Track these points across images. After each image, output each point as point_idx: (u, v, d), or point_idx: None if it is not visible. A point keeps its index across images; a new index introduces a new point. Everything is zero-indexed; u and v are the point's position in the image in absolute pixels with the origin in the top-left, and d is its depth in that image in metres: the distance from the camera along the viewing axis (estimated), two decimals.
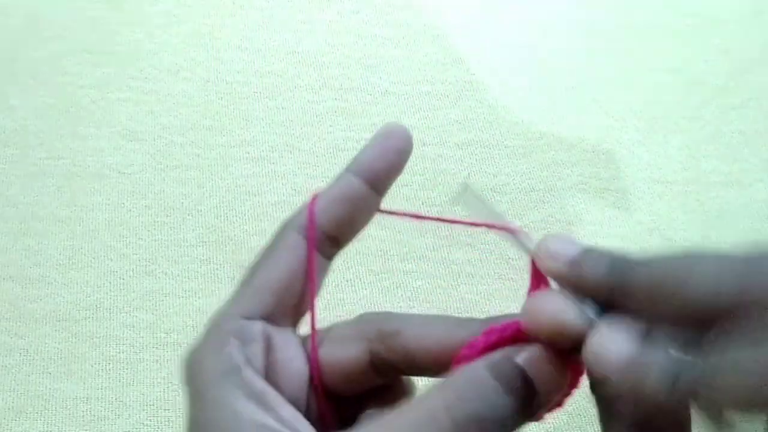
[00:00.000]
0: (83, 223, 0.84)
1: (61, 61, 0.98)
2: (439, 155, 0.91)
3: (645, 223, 0.88)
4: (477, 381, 0.26)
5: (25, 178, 0.87)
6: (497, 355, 0.27)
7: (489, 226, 0.31)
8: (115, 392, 0.73)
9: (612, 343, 0.24)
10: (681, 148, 0.95)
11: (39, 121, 0.92)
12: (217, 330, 0.29)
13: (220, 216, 0.85)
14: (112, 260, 0.81)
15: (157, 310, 0.78)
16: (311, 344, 0.30)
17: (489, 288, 0.81)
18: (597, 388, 0.28)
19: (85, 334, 0.76)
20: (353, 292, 0.79)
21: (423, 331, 0.29)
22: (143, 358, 0.75)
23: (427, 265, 0.82)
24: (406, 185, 0.88)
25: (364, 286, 0.80)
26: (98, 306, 0.78)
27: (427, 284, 0.81)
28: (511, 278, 0.81)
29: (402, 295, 0.80)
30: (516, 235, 0.30)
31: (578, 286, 0.26)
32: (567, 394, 0.28)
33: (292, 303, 0.30)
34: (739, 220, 0.89)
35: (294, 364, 0.29)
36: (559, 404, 0.28)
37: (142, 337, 0.76)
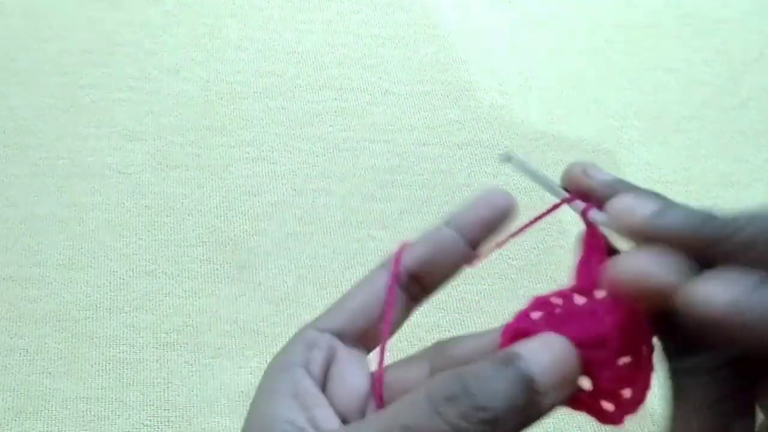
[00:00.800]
0: (83, 223, 0.84)
1: (61, 61, 0.98)
2: (439, 155, 0.91)
3: None
4: (468, 368, 0.25)
5: (25, 178, 0.87)
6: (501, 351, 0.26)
7: (555, 205, 0.32)
8: (116, 392, 0.73)
9: (721, 284, 0.23)
10: (681, 148, 0.95)
11: (39, 121, 0.92)
12: (293, 338, 0.31)
13: (220, 216, 0.85)
14: (112, 260, 0.81)
15: (157, 310, 0.78)
16: (379, 361, 0.31)
17: (489, 288, 0.81)
18: (680, 351, 0.26)
19: (85, 334, 0.76)
20: None
21: (476, 340, 0.31)
22: (143, 358, 0.75)
23: None
24: (406, 185, 0.88)
25: None
26: (98, 306, 0.78)
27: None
28: (512, 277, 0.81)
29: None
30: (577, 204, 0.30)
31: (664, 242, 0.25)
32: (644, 383, 0.26)
33: (366, 327, 0.31)
34: None
35: (352, 378, 0.31)
36: (639, 399, 0.26)
37: (143, 337, 0.76)
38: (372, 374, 0.31)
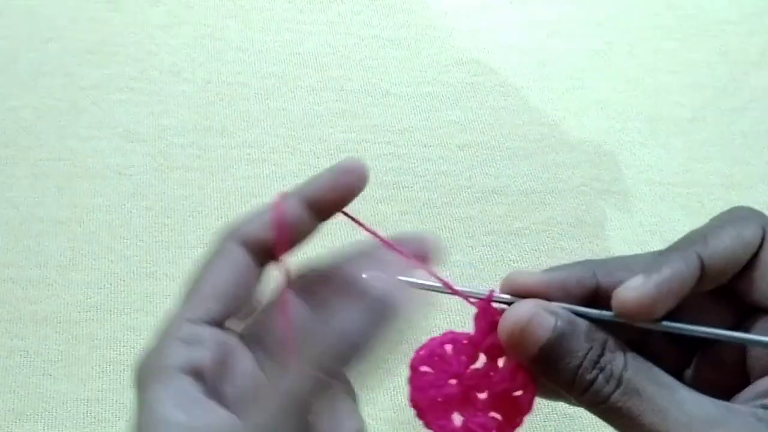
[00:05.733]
0: (84, 225, 0.84)
1: (61, 62, 0.97)
2: (440, 157, 0.91)
3: (646, 225, 0.87)
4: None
5: (25, 180, 0.87)
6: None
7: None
8: (116, 394, 0.73)
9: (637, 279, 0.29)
10: (683, 150, 0.95)
11: (39, 122, 0.92)
12: (164, 335, 0.30)
13: (221, 218, 0.84)
14: (112, 262, 0.81)
15: (158, 312, 0.78)
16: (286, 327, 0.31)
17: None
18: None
19: (85, 336, 0.76)
20: None
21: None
22: None
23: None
24: (408, 187, 0.88)
25: None
26: (99, 308, 0.78)
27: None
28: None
29: None
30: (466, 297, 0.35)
31: (554, 292, 0.33)
32: (527, 400, 0.31)
33: (238, 309, 0.31)
34: None
35: (243, 366, 0.30)
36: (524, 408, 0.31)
37: (143, 339, 0.76)
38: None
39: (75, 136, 0.91)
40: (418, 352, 0.33)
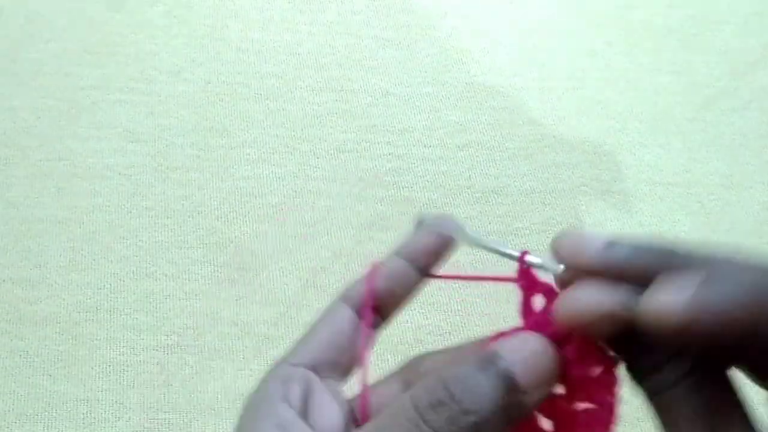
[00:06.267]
0: (83, 225, 0.84)
1: (61, 62, 0.97)
2: (441, 157, 0.91)
3: (646, 225, 0.87)
4: (448, 371, 0.25)
5: (25, 180, 0.87)
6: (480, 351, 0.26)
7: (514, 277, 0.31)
8: (116, 394, 0.73)
9: (673, 289, 0.23)
10: (682, 150, 0.95)
11: (39, 123, 0.92)
12: (269, 375, 0.32)
13: (221, 218, 0.84)
14: (112, 262, 0.81)
15: (157, 312, 0.78)
16: (363, 386, 0.32)
17: (490, 290, 0.80)
18: (648, 371, 0.26)
19: (85, 336, 0.76)
20: None
21: (447, 355, 0.32)
22: (144, 360, 0.75)
23: None
24: (408, 187, 0.88)
25: None
26: (98, 308, 0.78)
27: (428, 286, 0.81)
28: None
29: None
30: (526, 260, 0.30)
31: (616, 276, 0.25)
32: (610, 398, 0.27)
33: (337, 358, 0.33)
34: (740, 222, 0.89)
35: (329, 408, 0.31)
36: (610, 417, 0.27)
37: (143, 339, 0.76)
38: (349, 402, 0.32)
39: (74, 136, 0.91)
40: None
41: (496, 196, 0.88)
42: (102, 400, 0.72)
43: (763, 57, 1.05)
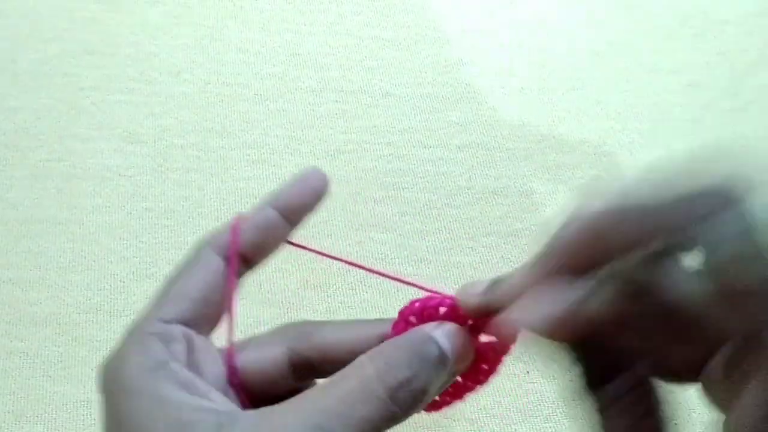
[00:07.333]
0: (83, 226, 0.83)
1: (61, 63, 0.97)
2: (440, 158, 0.91)
3: None
4: (405, 350, 0.29)
5: (25, 180, 0.87)
6: (416, 332, 0.30)
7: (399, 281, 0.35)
8: None
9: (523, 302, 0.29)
10: (682, 151, 0.95)
11: (39, 123, 0.92)
12: (138, 334, 0.30)
13: (221, 219, 0.84)
14: (112, 263, 0.81)
15: None
16: (228, 349, 0.32)
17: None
18: (596, 382, 0.29)
19: (85, 338, 0.76)
20: (355, 296, 0.79)
21: (340, 328, 0.33)
22: None
23: (429, 268, 0.82)
24: (408, 188, 0.88)
25: (365, 290, 0.80)
26: (98, 309, 0.78)
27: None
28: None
29: (403, 297, 0.80)
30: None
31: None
32: (490, 370, 0.32)
33: (209, 312, 0.32)
34: None
35: (213, 365, 0.31)
36: (482, 381, 0.33)
37: None
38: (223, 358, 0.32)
39: (74, 137, 0.91)
40: (413, 302, 0.34)
41: (496, 196, 0.88)
42: None
43: (763, 57, 1.05)
